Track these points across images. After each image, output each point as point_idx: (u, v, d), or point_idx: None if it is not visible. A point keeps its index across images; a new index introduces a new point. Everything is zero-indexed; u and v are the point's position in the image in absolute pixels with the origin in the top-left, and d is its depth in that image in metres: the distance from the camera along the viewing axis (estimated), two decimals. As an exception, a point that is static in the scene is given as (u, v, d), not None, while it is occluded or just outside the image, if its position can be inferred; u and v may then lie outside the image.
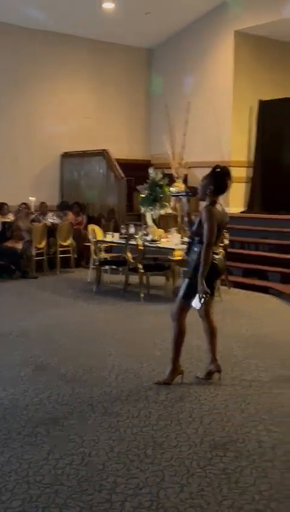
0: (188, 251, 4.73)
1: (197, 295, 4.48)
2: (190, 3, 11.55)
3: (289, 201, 11.46)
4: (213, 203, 4.57)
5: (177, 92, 12.53)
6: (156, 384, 4.71)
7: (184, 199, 4.92)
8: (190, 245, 4.70)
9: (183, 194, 5.07)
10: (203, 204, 4.67)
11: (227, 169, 4.65)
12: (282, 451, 3.59)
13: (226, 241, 8.51)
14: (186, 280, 4.67)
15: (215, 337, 4.87)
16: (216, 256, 4.63)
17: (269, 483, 3.21)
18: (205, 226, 4.47)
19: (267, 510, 2.96)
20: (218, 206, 4.60)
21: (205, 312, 4.81)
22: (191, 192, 5.10)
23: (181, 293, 4.69)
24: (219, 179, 4.56)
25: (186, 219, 4.91)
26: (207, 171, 4.73)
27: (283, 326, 6.75)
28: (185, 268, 4.81)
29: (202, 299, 4.45)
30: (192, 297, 4.61)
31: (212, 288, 4.67)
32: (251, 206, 11.86)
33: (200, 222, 4.56)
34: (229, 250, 8.55)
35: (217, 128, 11.89)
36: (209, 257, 4.48)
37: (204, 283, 4.43)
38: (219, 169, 4.59)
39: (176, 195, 4.94)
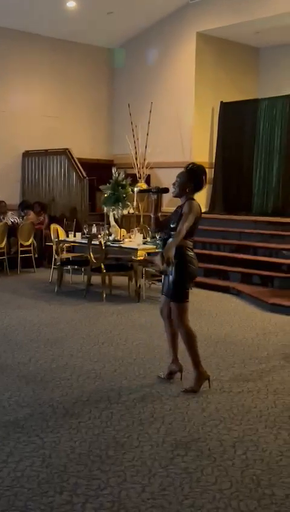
0: (163, 247, 4.64)
1: (159, 255, 4.48)
2: (152, 4, 11.58)
3: (249, 202, 11.65)
4: (191, 199, 4.59)
5: (140, 91, 12.55)
6: (183, 392, 4.58)
7: (154, 196, 4.84)
8: (165, 241, 4.64)
9: (153, 190, 4.90)
10: (177, 200, 4.68)
11: (203, 167, 4.70)
12: (242, 449, 3.63)
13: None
14: (171, 280, 4.60)
15: (178, 338, 4.87)
16: (191, 253, 4.61)
17: (230, 481, 3.24)
18: (185, 213, 4.47)
19: (228, 508, 2.98)
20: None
21: (168, 314, 4.78)
22: (159, 189, 4.92)
23: (173, 297, 4.61)
24: (197, 176, 4.60)
25: (153, 216, 4.81)
26: (169, 171, 4.75)
27: (243, 326, 6.83)
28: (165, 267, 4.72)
29: (164, 264, 4.43)
30: (183, 295, 4.60)
31: (187, 290, 4.64)
32: (212, 206, 11.97)
33: (179, 218, 4.54)
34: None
35: (179, 129, 11.96)
36: (183, 232, 4.43)
37: (173, 249, 4.41)
38: (195, 167, 4.63)
39: (145, 192, 4.82)
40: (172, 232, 4.58)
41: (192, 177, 4.58)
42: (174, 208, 4.76)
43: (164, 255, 4.44)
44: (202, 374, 4.65)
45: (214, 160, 12.08)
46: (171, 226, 4.62)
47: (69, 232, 9.31)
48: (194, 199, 4.62)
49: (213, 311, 7.56)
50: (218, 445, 3.68)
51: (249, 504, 3.02)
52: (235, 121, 11.89)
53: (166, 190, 4.81)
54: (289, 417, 4.15)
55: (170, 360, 4.89)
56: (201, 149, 12.04)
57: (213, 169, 12.06)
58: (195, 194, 4.63)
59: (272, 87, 11.88)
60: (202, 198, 11.92)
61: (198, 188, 4.61)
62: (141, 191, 5.06)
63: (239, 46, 12.39)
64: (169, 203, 11.84)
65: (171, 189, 4.70)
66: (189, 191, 4.59)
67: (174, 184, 4.67)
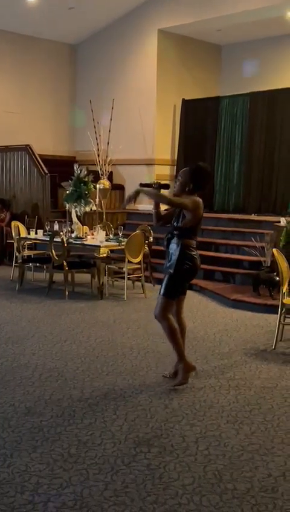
0: (167, 246, 4.65)
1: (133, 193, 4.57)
2: (114, 0, 11.53)
3: (211, 199, 11.72)
4: (192, 196, 4.57)
5: (102, 88, 12.49)
6: (172, 388, 4.56)
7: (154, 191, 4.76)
8: (169, 240, 4.64)
9: (155, 186, 4.79)
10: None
11: (208, 167, 4.71)
12: (204, 445, 3.66)
13: (151, 238, 8.57)
14: (167, 276, 4.61)
15: (185, 335, 4.90)
16: (194, 252, 4.63)
17: (192, 477, 3.26)
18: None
19: (190, 504, 3.00)
20: None
21: (176, 311, 4.80)
22: (160, 184, 4.81)
23: (162, 290, 4.62)
24: (199, 177, 4.58)
25: (154, 211, 4.78)
26: (132, 168, 4.73)
27: (205, 322, 6.87)
28: (166, 265, 4.69)
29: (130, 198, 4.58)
30: (173, 293, 4.61)
31: (184, 287, 4.72)
32: (174, 204, 11.99)
33: (182, 215, 4.53)
34: (154, 247, 8.61)
35: (142, 126, 11.96)
36: (180, 200, 4.49)
37: (152, 196, 4.61)
38: (197, 168, 4.62)
39: (146, 186, 4.76)
40: (175, 232, 4.58)
41: (193, 177, 4.56)
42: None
43: (138, 190, 4.54)
44: (188, 365, 4.67)
45: (176, 157, 12.13)
46: (174, 224, 4.61)
47: (31, 229, 9.21)
48: (195, 196, 4.58)
49: (176, 307, 7.58)
50: (181, 441, 3.70)
51: (212, 499, 3.04)
52: (197, 119, 11.96)
53: (167, 186, 4.76)
54: (250, 412, 4.20)
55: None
56: (163, 146, 12.06)
57: (175, 167, 12.10)
58: (196, 193, 4.58)
59: (234, 85, 11.97)
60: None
61: (198, 188, 4.58)
62: (141, 185, 4.94)
63: (201, 43, 12.45)
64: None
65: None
66: (189, 190, 4.56)
67: (176, 182, 4.67)
